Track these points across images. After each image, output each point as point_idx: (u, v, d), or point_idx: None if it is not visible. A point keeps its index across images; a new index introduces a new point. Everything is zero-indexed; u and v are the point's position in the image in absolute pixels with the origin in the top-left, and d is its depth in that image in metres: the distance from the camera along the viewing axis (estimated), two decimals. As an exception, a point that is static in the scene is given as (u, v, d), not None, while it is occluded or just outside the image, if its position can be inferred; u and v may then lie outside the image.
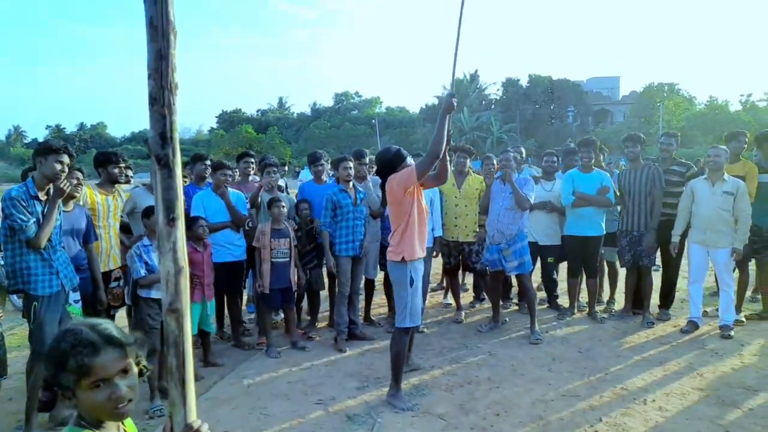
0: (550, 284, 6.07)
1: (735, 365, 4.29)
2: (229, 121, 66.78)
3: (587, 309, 5.75)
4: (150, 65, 1.22)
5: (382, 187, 3.83)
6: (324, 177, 5.54)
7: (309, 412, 3.64)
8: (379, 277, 5.84)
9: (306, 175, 9.46)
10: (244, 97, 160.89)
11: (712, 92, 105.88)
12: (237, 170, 5.56)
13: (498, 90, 56.76)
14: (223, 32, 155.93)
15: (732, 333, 4.95)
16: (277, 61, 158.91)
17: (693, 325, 5.15)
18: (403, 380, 3.99)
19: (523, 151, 6.90)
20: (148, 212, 3.84)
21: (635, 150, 5.46)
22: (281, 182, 5.58)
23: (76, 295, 3.61)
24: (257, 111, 74.59)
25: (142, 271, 3.77)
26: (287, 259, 4.78)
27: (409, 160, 3.77)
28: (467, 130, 51.26)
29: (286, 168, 13.75)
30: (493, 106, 55.54)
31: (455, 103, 3.42)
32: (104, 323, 1.22)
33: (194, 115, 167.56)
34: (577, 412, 3.57)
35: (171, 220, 1.21)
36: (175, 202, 1.21)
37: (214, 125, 70.08)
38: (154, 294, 3.78)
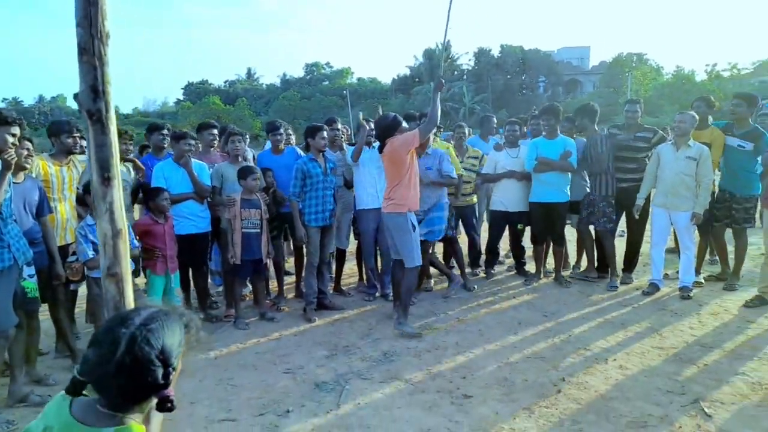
0: (517, 251, 6.15)
1: (693, 324, 4.44)
2: (196, 92, 65.03)
3: (554, 274, 5.86)
4: (78, 13, 1.13)
5: (381, 150, 4.42)
6: (281, 146, 5.32)
7: (277, 381, 3.63)
8: (351, 248, 5.82)
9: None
10: (212, 69, 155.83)
11: (678, 62, 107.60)
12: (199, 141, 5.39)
13: (470, 60, 56.51)
14: (190, 2, 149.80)
15: (691, 294, 5.11)
16: (245, 32, 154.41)
17: (654, 287, 5.30)
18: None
19: (495, 120, 7.00)
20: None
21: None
22: (249, 153, 5.41)
23: (31, 270, 3.47)
24: (225, 82, 72.79)
25: (90, 253, 3.65)
26: (258, 230, 4.70)
27: (405, 124, 4.44)
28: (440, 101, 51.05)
29: (258, 140, 13.49)
30: (465, 77, 55.30)
31: (444, 83, 4.34)
32: None
33: (160, 87, 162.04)
34: (541, 372, 3.65)
35: (106, 179, 1.14)
36: (109, 160, 1.14)
37: (181, 97, 68.11)
38: None
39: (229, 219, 4.64)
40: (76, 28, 1.13)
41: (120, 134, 4.20)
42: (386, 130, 4.38)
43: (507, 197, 5.80)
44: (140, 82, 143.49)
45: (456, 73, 56.31)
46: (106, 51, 1.12)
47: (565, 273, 5.97)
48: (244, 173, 4.64)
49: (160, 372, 1.14)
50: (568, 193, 5.62)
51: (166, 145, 4.97)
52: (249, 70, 75.72)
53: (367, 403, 3.30)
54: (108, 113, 1.14)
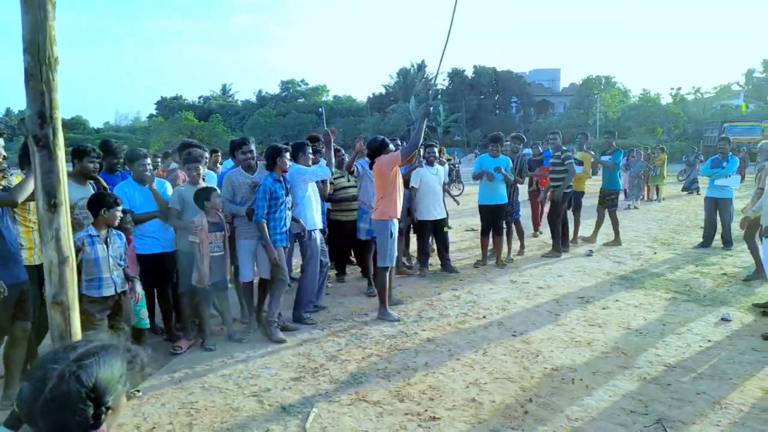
0: (445, 251, 7.26)
1: (657, 344, 4.52)
2: (169, 108, 64.29)
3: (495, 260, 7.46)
4: (25, 38, 1.11)
5: (371, 167, 5.38)
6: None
7: (242, 404, 3.56)
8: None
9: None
10: (187, 85, 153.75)
11: (645, 85, 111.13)
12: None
13: (445, 80, 57.29)
14: (163, 18, 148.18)
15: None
16: (220, 49, 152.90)
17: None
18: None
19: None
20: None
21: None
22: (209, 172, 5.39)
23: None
24: (199, 98, 72.15)
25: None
26: (222, 252, 4.64)
27: (391, 146, 5.33)
28: (414, 119, 51.50)
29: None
30: (440, 96, 56.01)
31: (431, 111, 5.19)
32: None
33: (133, 101, 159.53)
34: (508, 393, 3.66)
35: (53, 206, 1.11)
36: (56, 186, 1.12)
37: (153, 112, 67.26)
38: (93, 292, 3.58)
39: (197, 243, 4.48)
40: (24, 54, 1.11)
41: (86, 152, 4.13)
42: (375, 150, 5.26)
43: (434, 208, 6.90)
44: (112, 96, 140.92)
45: (431, 92, 57.04)
46: (54, 77, 1.10)
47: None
48: (206, 193, 4.52)
49: (90, 411, 1.09)
50: (506, 197, 7.31)
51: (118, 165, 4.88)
52: (224, 86, 75.30)
53: (334, 426, 3.26)
54: (55, 139, 1.12)
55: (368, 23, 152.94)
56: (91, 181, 4.52)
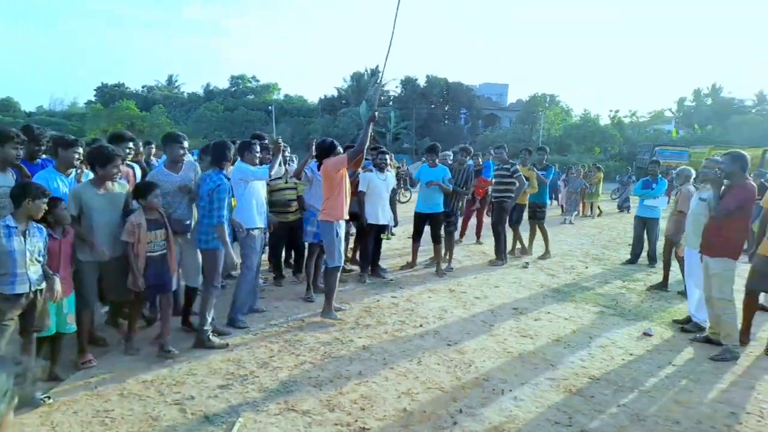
0: (377, 255, 7.41)
1: (584, 357, 4.67)
2: (110, 95, 61.33)
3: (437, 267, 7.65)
4: None
5: (318, 168, 5.47)
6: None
7: (163, 413, 3.38)
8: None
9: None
10: (130, 73, 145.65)
11: (586, 106, 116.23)
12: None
13: (397, 87, 57.72)
14: (109, 1, 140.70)
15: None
16: (169, 38, 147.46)
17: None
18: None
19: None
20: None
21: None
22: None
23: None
24: (143, 87, 69.30)
25: None
26: (164, 252, 4.29)
27: (339, 149, 5.39)
28: (364, 124, 51.56)
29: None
30: (391, 103, 56.36)
31: (377, 117, 5.24)
32: None
33: (69, 86, 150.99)
34: (439, 404, 3.67)
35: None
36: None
37: (92, 98, 63.95)
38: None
39: (131, 243, 4.13)
40: None
41: (9, 137, 3.81)
42: (324, 152, 5.35)
43: (380, 212, 6.98)
44: (48, 78, 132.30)
45: (383, 98, 57.32)
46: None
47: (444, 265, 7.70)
48: (145, 190, 4.23)
49: None
50: (442, 206, 7.41)
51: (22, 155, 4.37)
52: (170, 77, 72.68)
53: (259, 437, 3.14)
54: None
55: (325, 24, 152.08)
56: (12, 169, 4.19)
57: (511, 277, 7.57)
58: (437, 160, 7.59)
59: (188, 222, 4.70)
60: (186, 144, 4.75)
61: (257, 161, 5.20)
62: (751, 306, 5.07)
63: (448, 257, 7.98)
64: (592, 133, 45.06)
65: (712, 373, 4.37)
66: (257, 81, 68.48)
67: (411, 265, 7.91)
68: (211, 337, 4.61)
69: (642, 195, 8.58)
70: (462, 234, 10.05)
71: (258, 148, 5.21)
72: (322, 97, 60.84)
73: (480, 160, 9.97)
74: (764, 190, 6.21)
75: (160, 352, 4.31)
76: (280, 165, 5.68)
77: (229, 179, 4.64)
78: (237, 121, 53.61)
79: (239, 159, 5.23)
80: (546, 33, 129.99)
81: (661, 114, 53.80)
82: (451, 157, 8.48)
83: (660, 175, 8.71)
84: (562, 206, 15.86)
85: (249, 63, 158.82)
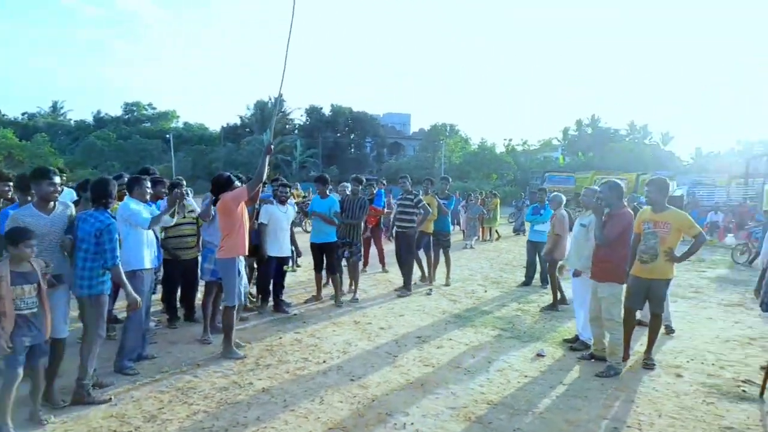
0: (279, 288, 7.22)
1: (482, 382, 4.80)
2: (-17, 122, 55.61)
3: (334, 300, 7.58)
4: None
5: (215, 204, 5.37)
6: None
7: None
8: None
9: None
10: (10, 99, 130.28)
11: (483, 135, 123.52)
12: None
13: (302, 116, 57.75)
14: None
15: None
16: (55, 62, 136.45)
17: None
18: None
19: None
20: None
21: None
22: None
23: None
24: (23, 114, 63.63)
25: None
26: (35, 309, 3.66)
27: (237, 183, 5.35)
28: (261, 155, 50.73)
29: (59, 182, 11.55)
30: (296, 131, 56.19)
31: (272, 149, 5.29)
32: None
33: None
34: (341, 445, 3.57)
35: None
36: None
37: (-39, 125, 57.53)
38: None
39: None
40: None
41: None
42: (221, 187, 5.29)
43: (282, 244, 6.96)
44: None
45: (288, 126, 57.00)
46: None
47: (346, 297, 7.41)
48: (17, 237, 3.60)
49: None
50: (335, 236, 7.47)
51: None
52: (55, 103, 67.42)
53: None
54: None
55: (226, 51, 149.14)
56: None
57: (415, 305, 7.68)
58: (328, 191, 7.64)
59: (63, 273, 4.19)
60: (58, 179, 4.13)
61: (147, 197, 5.09)
62: (629, 323, 5.50)
63: (353, 287, 7.96)
64: (489, 161, 47.77)
65: (598, 390, 4.66)
66: (154, 108, 65.47)
67: (316, 297, 7.81)
68: (91, 391, 4.19)
69: (532, 221, 9.15)
70: (365, 263, 10.08)
71: (149, 184, 5.11)
72: (225, 126, 59.37)
73: (374, 189, 10.06)
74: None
75: (33, 416, 3.83)
76: (173, 215, 5.35)
77: (114, 217, 4.30)
78: (131, 150, 50.72)
79: (127, 196, 4.95)
80: (445, 65, 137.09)
81: (549, 142, 58.29)
82: (349, 189, 8.52)
83: (547, 202, 9.34)
84: (463, 231, 16.50)
85: (145, 90, 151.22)
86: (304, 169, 51.13)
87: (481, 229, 16.41)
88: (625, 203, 5.46)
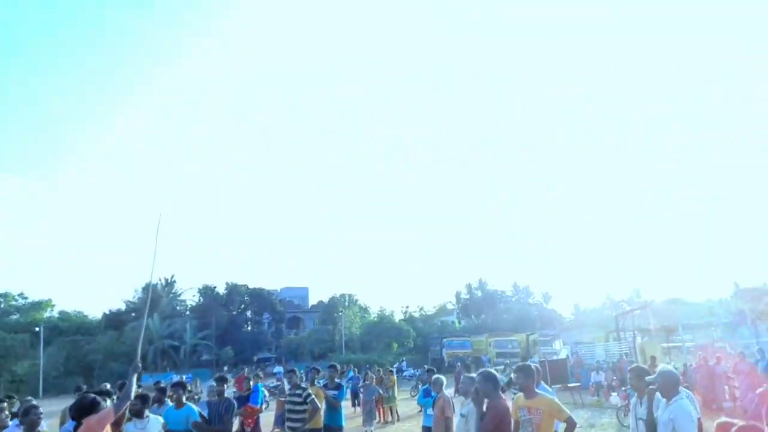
0: None
1: None
2: None
3: None
4: None
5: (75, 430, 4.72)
6: None
7: None
8: None
9: None
10: None
11: (382, 303, 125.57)
12: None
13: (194, 296, 55.64)
14: None
15: None
16: None
17: None
18: None
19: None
20: None
21: (221, 388, 7.18)
22: None
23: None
24: None
25: None
26: None
27: (103, 404, 4.88)
28: (156, 339, 47.24)
29: None
30: (188, 312, 53.52)
31: (140, 367, 5.11)
32: None
33: None
34: None
35: None
36: None
37: None
38: None
39: None
40: None
41: None
42: (85, 411, 4.76)
43: None
44: None
45: (179, 308, 54.32)
46: None
47: None
48: None
49: None
50: None
51: None
52: None
53: None
54: None
55: (111, 234, 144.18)
56: None
57: None
58: (184, 398, 6.82)
59: None
60: None
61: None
62: None
63: None
64: (389, 330, 48.11)
65: None
66: (25, 298, 59.72)
67: None
68: None
69: (424, 405, 9.08)
70: None
71: None
72: (107, 312, 55.15)
73: (251, 383, 9.60)
74: (538, 373, 6.59)
75: None
76: None
77: None
78: (-8, 348, 44.65)
79: None
80: (340, 235, 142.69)
81: (444, 307, 60.56)
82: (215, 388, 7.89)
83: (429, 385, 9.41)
84: (363, 413, 15.81)
85: (16, 279, 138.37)
86: (195, 354, 47.79)
87: (380, 411, 15.83)
88: (502, 396, 5.52)
